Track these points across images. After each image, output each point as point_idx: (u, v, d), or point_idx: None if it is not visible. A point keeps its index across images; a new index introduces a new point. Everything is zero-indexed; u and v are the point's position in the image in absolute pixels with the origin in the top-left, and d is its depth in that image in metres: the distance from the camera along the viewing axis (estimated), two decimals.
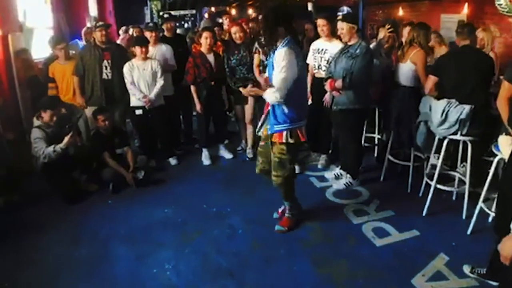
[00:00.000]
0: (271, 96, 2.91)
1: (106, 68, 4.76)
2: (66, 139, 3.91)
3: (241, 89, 4.65)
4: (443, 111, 3.34)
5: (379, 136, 4.78)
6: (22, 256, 3.18)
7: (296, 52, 2.90)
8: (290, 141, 3.04)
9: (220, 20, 6.15)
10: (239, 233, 3.41)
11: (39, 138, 3.95)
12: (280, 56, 2.83)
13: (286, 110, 2.98)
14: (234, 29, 4.67)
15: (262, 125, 3.27)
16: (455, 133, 3.38)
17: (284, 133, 3.03)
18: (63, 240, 3.39)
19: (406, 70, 3.82)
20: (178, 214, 3.75)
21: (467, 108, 3.25)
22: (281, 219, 3.49)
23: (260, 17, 4.75)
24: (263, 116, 3.23)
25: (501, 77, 4.14)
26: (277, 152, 3.12)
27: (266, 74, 4.31)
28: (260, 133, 3.33)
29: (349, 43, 3.82)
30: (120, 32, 6.31)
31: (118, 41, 6.24)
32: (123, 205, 3.96)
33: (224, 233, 3.41)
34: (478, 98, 3.32)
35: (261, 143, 3.36)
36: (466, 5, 6.98)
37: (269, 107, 3.09)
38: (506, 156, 2.85)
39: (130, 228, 3.52)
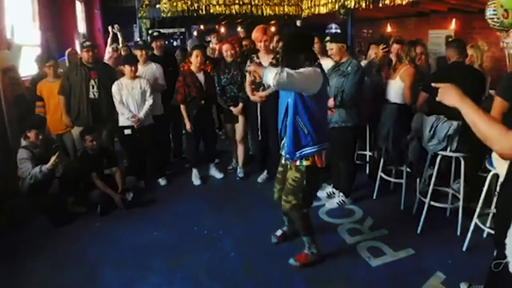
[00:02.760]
0: (271, 71, 2.53)
1: (93, 87, 4.68)
2: (52, 159, 3.81)
3: (231, 108, 4.67)
4: (432, 127, 3.36)
5: (371, 154, 4.77)
6: (6, 281, 3.05)
7: (321, 71, 2.76)
8: (306, 164, 2.86)
9: (208, 39, 6.17)
10: (232, 256, 3.32)
11: (26, 159, 3.86)
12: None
13: (306, 130, 2.78)
14: (225, 46, 4.66)
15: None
16: (444, 149, 3.38)
17: (303, 158, 2.85)
18: (49, 264, 3.27)
19: (395, 87, 3.83)
20: (168, 236, 3.65)
21: (454, 124, 3.26)
22: (299, 254, 3.15)
23: (276, 42, 4.86)
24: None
25: (491, 91, 4.20)
26: (292, 177, 2.94)
27: (262, 93, 4.33)
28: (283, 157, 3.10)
29: (340, 61, 3.83)
30: (109, 49, 6.25)
31: (105, 59, 6.18)
32: (111, 227, 3.85)
33: (216, 256, 3.31)
34: None
35: (280, 168, 3.19)
36: (453, 20, 7.10)
37: (288, 129, 2.84)
38: (500, 172, 2.85)
39: (119, 252, 3.41)
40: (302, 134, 2.80)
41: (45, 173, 3.80)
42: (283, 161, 3.13)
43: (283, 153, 3.05)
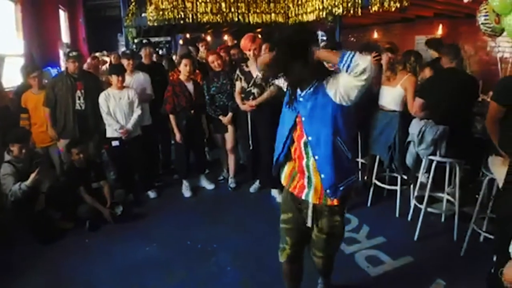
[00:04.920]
0: (363, 57, 1.94)
1: (79, 99, 4.55)
2: (32, 176, 3.68)
3: (221, 117, 4.60)
4: (420, 131, 3.36)
5: (363, 161, 4.73)
6: None
7: None
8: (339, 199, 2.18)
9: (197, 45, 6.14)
10: (228, 270, 3.22)
11: (8, 174, 3.72)
12: (332, 81, 2.06)
13: (350, 154, 2.14)
14: (211, 58, 4.60)
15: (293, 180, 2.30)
16: (434, 154, 3.38)
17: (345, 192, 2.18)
18: (37, 285, 3.14)
19: (396, 94, 3.81)
20: (161, 252, 3.53)
21: (440, 129, 3.26)
22: None
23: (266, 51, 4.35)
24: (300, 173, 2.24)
25: (481, 96, 4.22)
26: (329, 225, 2.24)
27: (252, 102, 4.26)
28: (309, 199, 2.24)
29: (331, 68, 3.79)
30: (88, 60, 6.17)
31: (84, 66, 6.07)
32: (101, 244, 3.71)
33: (212, 271, 3.21)
34: (455, 119, 3.33)
35: (284, 216, 2.38)
36: (440, 26, 7.17)
37: (324, 157, 2.09)
38: (497, 177, 2.84)
39: (110, 270, 3.28)
40: (345, 159, 2.13)
41: (25, 191, 3.66)
42: (292, 203, 2.32)
43: (290, 189, 2.32)
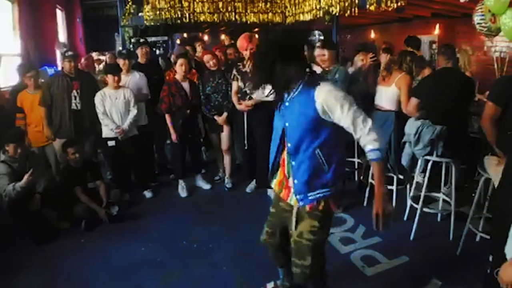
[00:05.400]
0: (376, 140, 1.98)
1: (75, 98, 4.55)
2: (25, 177, 3.66)
3: (216, 117, 4.60)
4: (417, 131, 3.36)
5: (359, 160, 4.74)
6: None
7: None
8: (322, 206, 2.16)
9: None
10: (224, 270, 3.21)
11: (3, 174, 3.72)
12: (332, 94, 2.00)
13: (327, 167, 2.11)
14: (206, 57, 4.60)
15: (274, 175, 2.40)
16: (430, 154, 3.37)
17: (322, 201, 2.16)
18: (33, 284, 3.13)
19: (390, 94, 3.81)
20: (156, 252, 3.52)
21: (438, 129, 3.26)
22: None
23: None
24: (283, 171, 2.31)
25: (478, 96, 4.23)
26: (307, 231, 2.19)
27: (249, 102, 4.25)
28: (273, 190, 2.45)
29: (327, 68, 3.79)
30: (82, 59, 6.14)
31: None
32: (97, 244, 3.70)
33: (208, 272, 3.20)
34: (452, 119, 3.33)
35: (272, 209, 2.49)
36: (437, 25, 7.17)
37: (300, 164, 2.13)
38: (493, 177, 2.84)
39: (106, 270, 3.27)
40: (320, 171, 2.11)
41: (19, 191, 3.65)
42: (280, 202, 2.40)
43: (276, 190, 2.40)
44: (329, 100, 1.99)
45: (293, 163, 2.15)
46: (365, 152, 2.03)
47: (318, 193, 2.14)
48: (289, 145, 2.14)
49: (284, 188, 2.33)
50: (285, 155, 2.25)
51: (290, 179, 2.22)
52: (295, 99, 2.09)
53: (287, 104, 2.13)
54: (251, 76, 2.25)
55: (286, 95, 2.12)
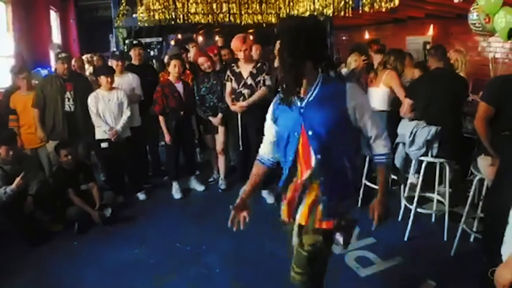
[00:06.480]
0: (387, 146, 1.91)
1: (68, 100, 4.54)
2: (16, 180, 3.64)
3: (210, 118, 4.58)
4: (411, 132, 3.37)
5: None
6: None
7: None
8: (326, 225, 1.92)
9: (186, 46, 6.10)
10: (217, 272, 3.20)
11: None
12: (365, 98, 1.93)
13: (351, 174, 1.91)
14: (201, 60, 4.57)
15: (298, 207, 1.99)
16: (425, 155, 3.38)
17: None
18: (26, 287, 3.11)
19: (380, 94, 3.82)
20: (150, 254, 3.50)
21: (433, 129, 3.26)
22: None
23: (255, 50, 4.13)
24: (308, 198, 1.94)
25: (471, 96, 4.23)
26: (308, 242, 1.98)
27: (243, 103, 4.23)
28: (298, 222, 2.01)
29: None
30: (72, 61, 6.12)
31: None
32: (90, 246, 3.68)
33: (201, 274, 3.18)
34: (446, 119, 3.34)
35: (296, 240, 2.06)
36: (431, 26, 7.20)
37: (326, 178, 1.85)
38: (487, 177, 2.85)
39: (99, 273, 3.25)
40: (349, 181, 1.92)
41: (10, 195, 3.62)
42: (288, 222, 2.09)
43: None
44: (365, 104, 1.87)
45: (322, 178, 1.85)
46: (373, 154, 1.94)
47: (347, 207, 1.96)
48: (318, 156, 1.82)
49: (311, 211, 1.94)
50: (301, 167, 1.92)
51: (306, 194, 1.94)
52: (318, 98, 1.80)
53: (304, 103, 1.81)
54: (283, 76, 1.79)
55: (302, 94, 1.82)
